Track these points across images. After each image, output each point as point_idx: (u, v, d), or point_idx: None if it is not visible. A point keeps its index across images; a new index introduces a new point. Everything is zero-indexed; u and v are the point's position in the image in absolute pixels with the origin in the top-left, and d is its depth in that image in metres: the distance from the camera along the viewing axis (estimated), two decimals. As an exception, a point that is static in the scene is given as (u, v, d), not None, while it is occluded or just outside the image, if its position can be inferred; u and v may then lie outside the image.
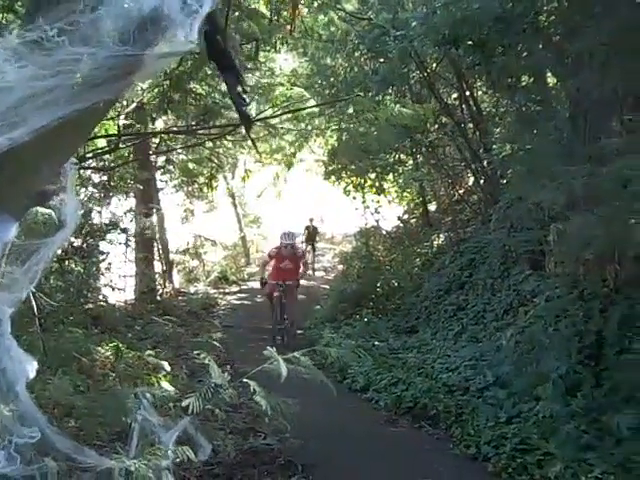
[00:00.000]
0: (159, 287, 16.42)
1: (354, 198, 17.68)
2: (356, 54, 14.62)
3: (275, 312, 11.86)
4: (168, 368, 8.20)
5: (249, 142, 16.24)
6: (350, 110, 13.82)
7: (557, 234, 7.45)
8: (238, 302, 17.67)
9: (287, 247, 11.65)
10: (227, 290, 19.52)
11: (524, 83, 10.46)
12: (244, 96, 2.63)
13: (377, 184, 17.47)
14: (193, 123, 10.74)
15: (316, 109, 14.05)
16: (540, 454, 5.75)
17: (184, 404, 4.06)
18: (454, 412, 7.22)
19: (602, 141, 6.69)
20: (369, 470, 5.97)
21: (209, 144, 14.41)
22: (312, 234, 22.28)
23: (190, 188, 19.02)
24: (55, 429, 2.15)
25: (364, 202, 17.13)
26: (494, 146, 11.52)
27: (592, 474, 5.19)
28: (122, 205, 14.29)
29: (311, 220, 22.56)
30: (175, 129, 11.25)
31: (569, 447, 5.69)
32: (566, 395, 6.44)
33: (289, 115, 13.04)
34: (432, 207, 17.85)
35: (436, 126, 14.24)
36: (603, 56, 6.79)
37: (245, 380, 4.07)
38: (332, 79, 15.60)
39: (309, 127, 17.46)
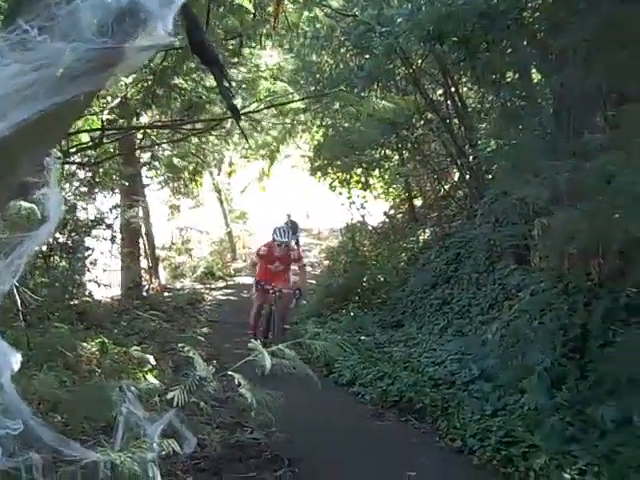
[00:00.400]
0: (145, 283, 16.38)
1: (340, 194, 17.69)
2: (342, 50, 14.62)
3: (259, 320, 10.18)
4: (153, 362, 8.20)
5: (234, 138, 16.27)
6: (336, 106, 13.85)
7: (541, 229, 7.50)
8: (224, 297, 17.69)
9: (281, 246, 9.67)
10: (213, 285, 19.53)
11: (509, 79, 10.50)
12: (230, 89, 2.64)
13: (363, 180, 17.50)
14: (177, 118, 10.73)
15: (301, 105, 14.05)
16: (525, 446, 5.79)
17: (169, 397, 4.06)
18: (440, 406, 7.26)
19: (586, 136, 6.73)
20: (355, 464, 5.99)
21: (195, 140, 14.40)
22: (293, 230, 21.98)
23: (176, 184, 18.99)
24: (40, 421, 2.14)
25: (350, 198, 17.14)
26: (479, 142, 11.57)
27: (576, 466, 5.24)
28: (107, 201, 14.24)
29: (289, 215, 22.26)
30: (160, 124, 11.23)
31: (554, 439, 5.74)
32: (551, 388, 6.50)
33: (274, 110, 13.05)
34: (418, 202, 17.89)
35: (422, 122, 14.28)
36: (587, 52, 6.83)
37: (230, 373, 4.08)
38: (318, 75, 15.61)
39: (294, 122, 17.45)
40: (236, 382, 4.18)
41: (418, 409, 7.42)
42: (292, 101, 10.79)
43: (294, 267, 10.56)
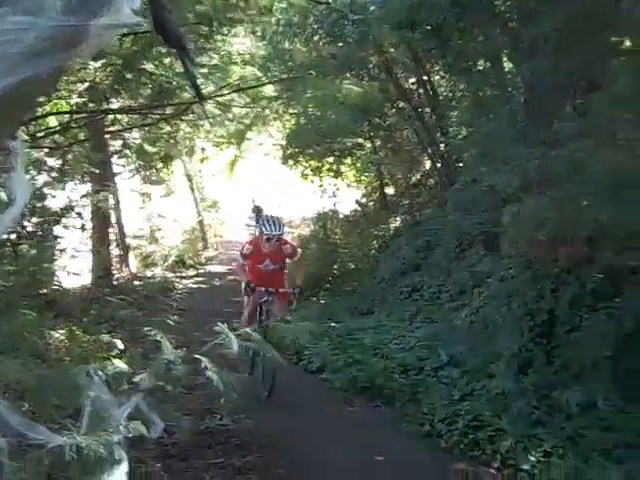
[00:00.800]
0: (116, 272, 16.25)
1: (312, 182, 17.69)
2: (314, 38, 14.57)
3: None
4: (121, 346, 8.16)
5: (206, 126, 16.17)
6: (307, 94, 13.82)
7: (511, 216, 7.55)
8: (195, 286, 17.59)
9: (271, 240, 7.73)
10: (184, 274, 19.42)
11: (480, 67, 10.55)
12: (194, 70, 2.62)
13: (335, 168, 17.52)
14: (147, 103, 10.62)
15: (273, 92, 13.99)
16: (492, 430, 5.87)
17: (135, 380, 4.04)
18: (409, 391, 7.31)
19: (555, 125, 6.80)
20: (324, 449, 6.02)
21: (167, 128, 14.27)
22: (257, 214, 21.87)
23: (147, 172, 18.84)
24: (7, 404, 2.13)
25: (322, 186, 17.15)
26: (450, 130, 11.63)
27: (541, 448, 5.34)
28: (78, 190, 14.10)
29: (253, 200, 22.11)
30: (129, 108, 11.12)
31: (520, 423, 5.82)
32: (518, 373, 6.60)
33: (246, 98, 12.98)
34: (390, 191, 17.94)
35: (394, 110, 14.31)
36: (557, 41, 6.89)
37: (197, 356, 4.07)
38: (290, 63, 15.55)
39: (266, 109, 17.38)
40: (203, 366, 4.16)
41: (387, 395, 7.46)
42: (261, 84, 10.71)
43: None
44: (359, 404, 7.54)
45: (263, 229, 7.80)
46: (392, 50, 12.98)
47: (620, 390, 5.78)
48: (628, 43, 7.51)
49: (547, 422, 5.77)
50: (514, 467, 5.36)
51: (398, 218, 15.38)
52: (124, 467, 3.47)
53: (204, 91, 7.67)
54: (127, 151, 16.18)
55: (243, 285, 8.25)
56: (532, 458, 5.28)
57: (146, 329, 5.50)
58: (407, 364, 8.09)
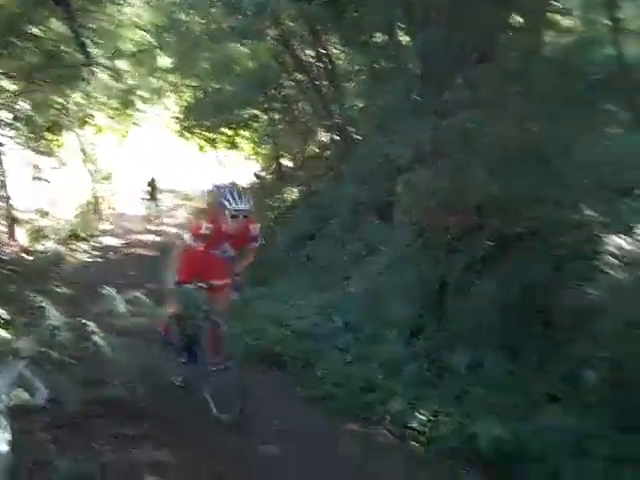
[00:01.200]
0: (3, 246, 15.64)
1: (207, 153, 17.53)
2: (212, 10, 14.34)
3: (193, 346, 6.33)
4: (7, 317, 7.87)
5: (102, 98, 15.71)
6: (203, 65, 13.58)
7: (404, 185, 7.68)
8: (90, 260, 17.17)
9: (238, 217, 5.71)
10: (78, 247, 18.92)
11: (377, 40, 10.63)
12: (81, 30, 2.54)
13: (232, 141, 17.42)
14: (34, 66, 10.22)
15: (170, 65, 13.72)
16: (384, 393, 6.00)
17: (16, 345, 3.90)
18: (303, 357, 7.35)
19: (445, 96, 6.93)
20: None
21: (59, 99, 13.79)
22: (154, 188, 21.84)
23: (37, 143, 18.16)
24: None
25: (218, 158, 17.02)
26: (347, 102, 11.70)
27: (430, 408, 5.49)
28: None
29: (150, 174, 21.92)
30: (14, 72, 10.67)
31: (411, 385, 6.00)
32: (411, 338, 6.75)
33: (141, 70, 12.66)
34: (289, 163, 17.94)
35: (291, 82, 14.29)
36: (449, 13, 7.02)
37: (84, 321, 3.94)
38: (187, 35, 15.26)
39: (162, 82, 17.05)
40: (89, 330, 4.04)
41: (282, 361, 7.48)
42: (153, 47, 10.50)
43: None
44: (256, 371, 7.54)
45: (225, 203, 5.70)
46: (290, 23, 12.93)
47: (508, 352, 6.00)
48: (519, 19, 7.75)
49: (437, 384, 5.96)
50: (404, 426, 5.51)
51: (295, 189, 15.42)
52: (6, 435, 3.37)
53: (95, 56, 7.47)
54: (18, 123, 15.56)
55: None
56: (422, 417, 5.44)
57: (32, 295, 5.32)
58: (302, 331, 8.13)
